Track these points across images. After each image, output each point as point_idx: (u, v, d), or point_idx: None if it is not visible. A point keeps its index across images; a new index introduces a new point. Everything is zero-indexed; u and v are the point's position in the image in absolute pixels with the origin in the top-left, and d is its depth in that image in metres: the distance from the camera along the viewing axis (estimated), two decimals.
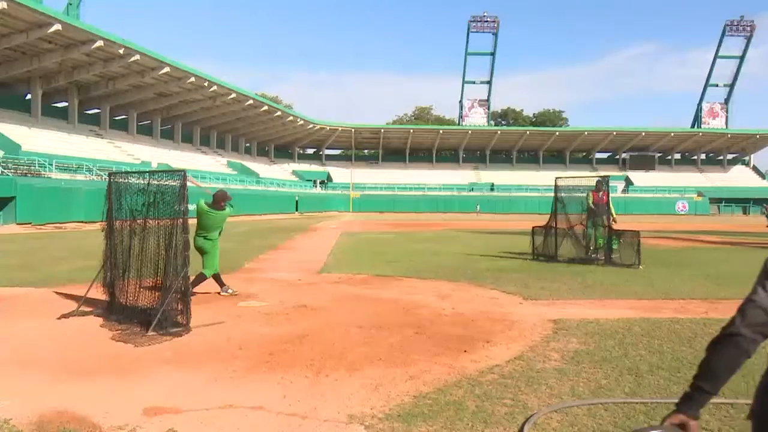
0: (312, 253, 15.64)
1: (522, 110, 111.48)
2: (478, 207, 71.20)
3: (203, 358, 5.21)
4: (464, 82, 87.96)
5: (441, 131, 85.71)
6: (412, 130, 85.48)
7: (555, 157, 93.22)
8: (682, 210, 76.06)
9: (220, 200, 8.53)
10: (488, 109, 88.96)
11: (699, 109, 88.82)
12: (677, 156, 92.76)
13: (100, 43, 38.78)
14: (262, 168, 72.72)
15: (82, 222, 29.60)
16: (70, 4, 46.83)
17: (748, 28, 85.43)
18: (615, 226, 13.14)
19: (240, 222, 34.56)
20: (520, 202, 74.06)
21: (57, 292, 8.65)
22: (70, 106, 47.14)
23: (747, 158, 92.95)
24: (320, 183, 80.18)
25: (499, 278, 10.45)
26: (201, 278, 8.23)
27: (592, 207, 13.41)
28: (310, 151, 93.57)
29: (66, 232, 25.35)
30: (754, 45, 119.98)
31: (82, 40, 38.70)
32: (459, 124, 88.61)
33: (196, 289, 8.08)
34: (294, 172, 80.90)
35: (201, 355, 5.33)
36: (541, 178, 76.44)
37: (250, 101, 60.16)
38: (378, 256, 14.58)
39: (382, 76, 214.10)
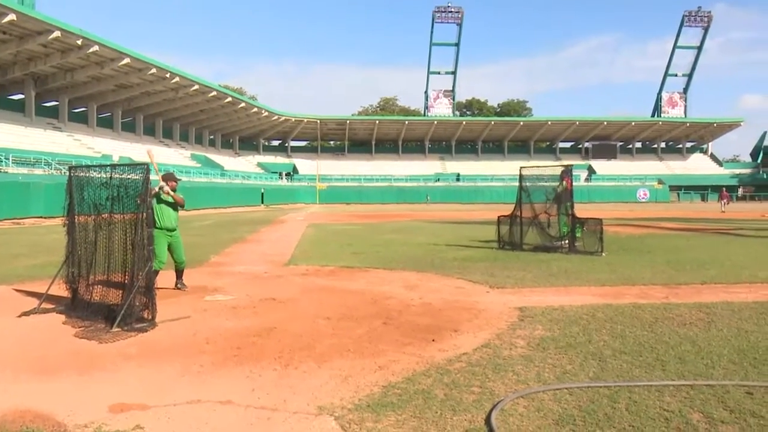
0: (279, 246, 15.56)
1: (486, 100, 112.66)
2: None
3: (169, 354, 5.15)
4: (429, 72, 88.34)
5: (407, 122, 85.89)
6: (377, 121, 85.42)
7: (519, 147, 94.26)
8: (643, 198, 77.77)
9: (165, 180, 8.21)
10: (453, 99, 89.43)
11: (659, 99, 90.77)
12: (638, 145, 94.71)
13: (57, 33, 37.77)
14: (227, 160, 71.94)
15: (41, 217, 28.88)
16: None
17: (706, 19, 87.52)
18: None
19: (205, 215, 34.17)
20: (485, 192, 74.88)
21: (16, 290, 8.44)
22: (27, 99, 45.79)
23: (705, 146, 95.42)
24: (286, 175, 79.74)
25: (466, 267, 10.55)
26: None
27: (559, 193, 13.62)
28: (276, 142, 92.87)
29: (25, 227, 24.72)
30: (711, 35, 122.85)
31: (38, 30, 37.64)
32: (425, 115, 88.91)
33: (159, 284, 7.99)
34: (259, 164, 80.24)
35: (167, 350, 5.27)
36: (506, 168, 77.39)
37: (213, 93, 59.36)
38: (345, 248, 14.57)
39: (347, 67, 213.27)
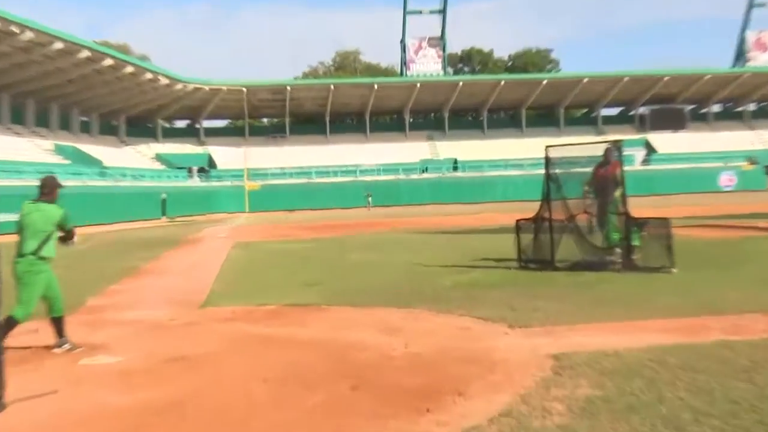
0: (190, 278, 15.49)
1: (492, 51, 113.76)
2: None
3: None
4: (406, 12, 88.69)
5: (376, 86, 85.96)
6: (332, 86, 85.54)
7: (543, 117, 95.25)
8: (727, 185, 78.68)
9: (52, 188, 8.39)
10: (444, 50, 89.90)
11: (742, 41, 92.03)
12: (716, 108, 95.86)
13: None
14: (109, 153, 71.43)
15: None
16: None
17: None
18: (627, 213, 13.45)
19: (77, 235, 33.71)
20: (496, 185, 75.33)
21: None
22: None
23: None
24: (199, 171, 79.47)
25: (472, 298, 10.57)
26: (9, 324, 7.69)
27: (587, 189, 13.67)
28: (181, 123, 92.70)
29: None
30: None
31: None
32: (402, 75, 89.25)
33: (6, 342, 7.87)
34: (158, 157, 79.91)
35: None
36: (526, 149, 77.84)
37: (86, 53, 58.83)
38: (291, 276, 14.54)
39: (288, 9, 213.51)
